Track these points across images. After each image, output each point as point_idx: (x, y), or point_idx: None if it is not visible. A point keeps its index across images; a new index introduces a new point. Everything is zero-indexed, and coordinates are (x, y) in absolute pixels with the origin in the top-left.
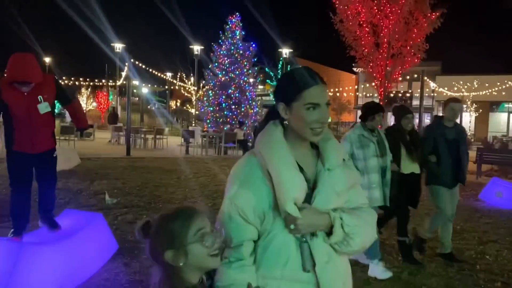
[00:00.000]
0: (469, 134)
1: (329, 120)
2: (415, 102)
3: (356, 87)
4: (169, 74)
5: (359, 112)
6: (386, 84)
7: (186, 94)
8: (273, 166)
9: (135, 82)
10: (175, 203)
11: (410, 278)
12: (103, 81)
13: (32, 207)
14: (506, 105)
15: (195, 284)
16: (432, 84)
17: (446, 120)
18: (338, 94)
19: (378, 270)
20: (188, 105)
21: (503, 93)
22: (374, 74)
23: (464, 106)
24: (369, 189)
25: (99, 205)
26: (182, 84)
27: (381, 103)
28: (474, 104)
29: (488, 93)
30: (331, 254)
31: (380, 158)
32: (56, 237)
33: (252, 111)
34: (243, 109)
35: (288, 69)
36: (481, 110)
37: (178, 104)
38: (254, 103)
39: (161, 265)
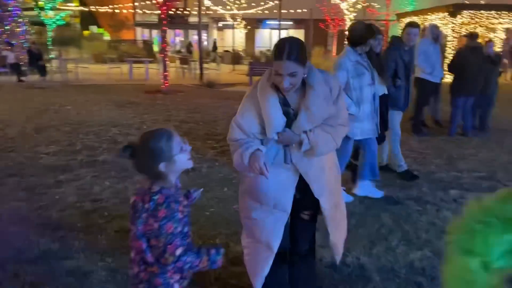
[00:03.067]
0: (241, 50)
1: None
2: (191, 19)
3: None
4: None
5: (139, 30)
6: (167, 3)
7: None
8: (261, 105)
9: None
10: None
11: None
12: None
13: None
14: (268, 22)
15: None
16: (206, 2)
17: (403, 43)
18: (117, 11)
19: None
20: None
21: (266, 11)
22: None
23: (235, 23)
24: (362, 121)
25: None
26: None
27: (163, 22)
28: (243, 21)
29: (255, 12)
30: (304, 154)
31: (372, 86)
32: None
33: (19, 29)
34: (7, 27)
35: None
36: (249, 27)
37: None
38: (20, 20)
39: (153, 175)
